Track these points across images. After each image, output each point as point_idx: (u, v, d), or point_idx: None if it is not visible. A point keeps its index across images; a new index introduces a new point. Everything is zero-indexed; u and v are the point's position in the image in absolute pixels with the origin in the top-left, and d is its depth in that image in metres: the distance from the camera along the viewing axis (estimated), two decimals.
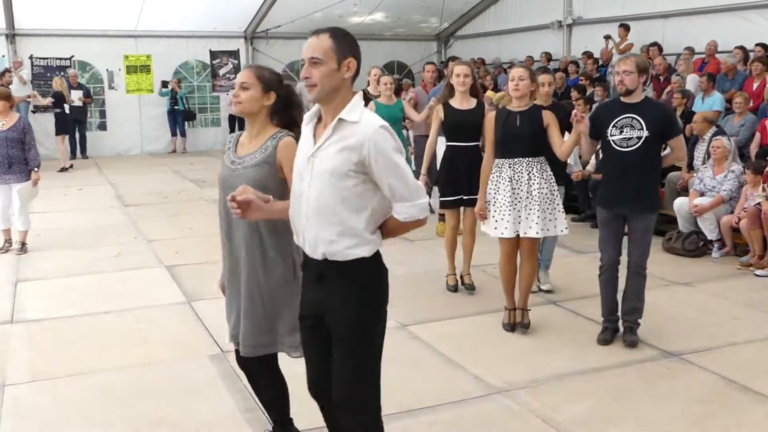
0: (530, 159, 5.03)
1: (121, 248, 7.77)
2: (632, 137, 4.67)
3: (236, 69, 17.09)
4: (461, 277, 6.16)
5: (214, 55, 17.06)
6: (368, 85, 8.98)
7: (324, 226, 2.55)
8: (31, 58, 15.47)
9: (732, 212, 7.25)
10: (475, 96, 5.93)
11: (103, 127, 16.52)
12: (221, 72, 17.22)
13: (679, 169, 8.28)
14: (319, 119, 2.65)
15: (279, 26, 16.37)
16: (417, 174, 6.40)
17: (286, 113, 3.15)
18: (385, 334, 2.70)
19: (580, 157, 7.81)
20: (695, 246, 7.39)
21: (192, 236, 8.27)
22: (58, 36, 15.38)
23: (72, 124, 14.91)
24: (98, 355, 4.86)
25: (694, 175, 7.90)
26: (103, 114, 16.49)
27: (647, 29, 12.47)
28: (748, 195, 7.12)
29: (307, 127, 2.67)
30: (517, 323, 5.21)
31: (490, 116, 5.23)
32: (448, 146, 5.97)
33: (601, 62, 12.94)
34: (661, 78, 10.98)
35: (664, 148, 4.99)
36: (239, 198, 2.67)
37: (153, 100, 16.54)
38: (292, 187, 2.71)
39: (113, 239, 8.20)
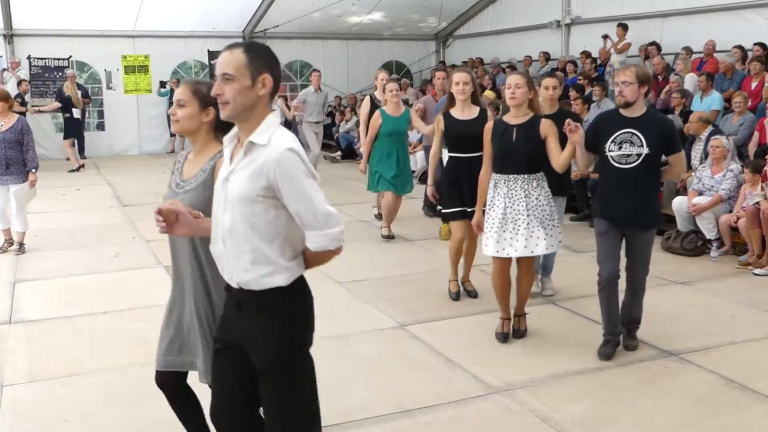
0: (526, 176, 4.80)
1: (120, 248, 7.76)
2: (632, 154, 4.42)
3: None
4: (462, 283, 6.10)
5: (212, 55, 17.02)
6: (375, 89, 8.86)
7: (238, 253, 2.43)
8: (29, 58, 15.45)
9: (731, 211, 7.26)
10: (476, 104, 5.77)
11: (101, 127, 16.50)
12: None
13: None
14: (240, 139, 2.50)
15: (277, 26, 16.36)
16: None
17: (231, 128, 2.93)
18: (312, 361, 2.55)
19: None
20: (694, 245, 7.39)
21: None
22: (55, 36, 15.36)
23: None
24: (97, 355, 4.86)
25: (693, 174, 7.91)
26: (101, 114, 16.47)
27: (645, 29, 12.48)
28: (747, 194, 7.12)
29: (227, 149, 2.52)
30: (513, 331, 5.08)
31: (488, 127, 5.01)
32: (450, 158, 5.83)
33: (599, 62, 12.95)
34: (660, 77, 10.98)
35: (665, 163, 4.76)
36: (165, 208, 2.54)
37: (151, 100, 16.53)
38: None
39: (112, 239, 8.19)
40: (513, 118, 4.88)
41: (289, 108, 13.37)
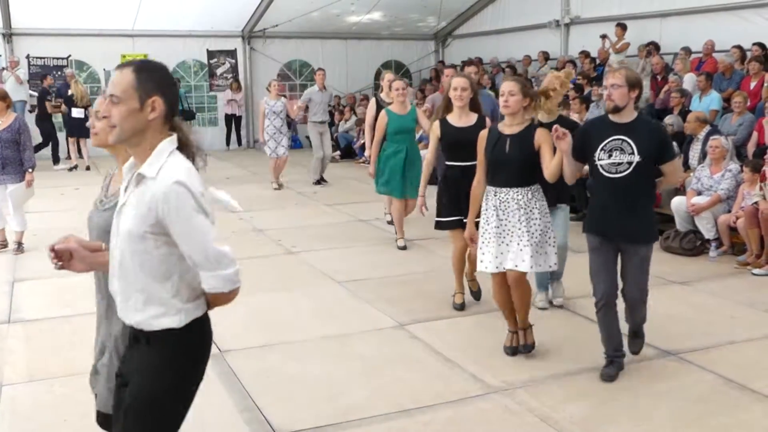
0: (519, 189, 4.49)
1: None
2: (622, 162, 4.12)
3: (234, 68, 17.10)
4: (469, 281, 5.88)
5: (211, 54, 17.03)
6: (381, 91, 8.70)
7: (129, 292, 2.28)
8: (27, 57, 15.43)
9: (729, 211, 7.26)
10: (475, 110, 5.55)
11: None
12: (219, 71, 17.19)
13: None
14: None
15: (276, 25, 16.36)
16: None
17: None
18: (186, 408, 2.41)
19: None
20: (693, 245, 7.40)
21: None
22: (55, 35, 15.33)
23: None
24: None
25: (692, 174, 7.91)
26: None
27: (644, 28, 12.49)
28: (746, 194, 7.13)
29: (125, 178, 2.35)
30: (520, 345, 4.80)
31: (482, 135, 4.70)
32: (447, 166, 5.57)
33: (598, 61, 12.96)
34: (659, 77, 10.99)
35: (659, 174, 4.49)
36: (58, 247, 2.38)
37: None
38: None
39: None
40: (507, 127, 4.57)
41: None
